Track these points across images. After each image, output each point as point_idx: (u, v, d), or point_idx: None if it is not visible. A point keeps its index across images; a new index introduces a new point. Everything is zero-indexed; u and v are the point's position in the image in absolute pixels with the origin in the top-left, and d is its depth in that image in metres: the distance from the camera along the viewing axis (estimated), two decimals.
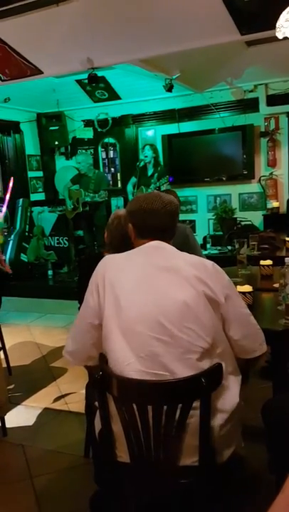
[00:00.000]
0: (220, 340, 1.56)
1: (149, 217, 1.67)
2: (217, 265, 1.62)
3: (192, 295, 1.51)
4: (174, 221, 1.74)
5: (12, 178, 6.00)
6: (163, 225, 1.69)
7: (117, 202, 7.03)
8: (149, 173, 6.13)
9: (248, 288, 2.23)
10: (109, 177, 7.27)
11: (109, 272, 1.62)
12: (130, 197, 6.36)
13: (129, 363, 1.51)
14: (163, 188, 6.01)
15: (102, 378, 1.55)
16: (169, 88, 4.96)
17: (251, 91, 6.10)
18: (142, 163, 6.09)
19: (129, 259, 1.67)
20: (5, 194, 5.90)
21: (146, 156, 6.02)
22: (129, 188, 6.39)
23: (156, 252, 1.64)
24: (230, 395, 1.57)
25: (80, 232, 6.72)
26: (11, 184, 5.82)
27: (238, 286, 2.24)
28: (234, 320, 1.57)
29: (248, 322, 1.62)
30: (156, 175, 6.04)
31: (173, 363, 1.48)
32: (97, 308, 1.60)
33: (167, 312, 1.50)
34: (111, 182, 7.30)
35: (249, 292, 2.22)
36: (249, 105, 6.14)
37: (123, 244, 2.02)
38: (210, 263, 1.61)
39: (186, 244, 2.93)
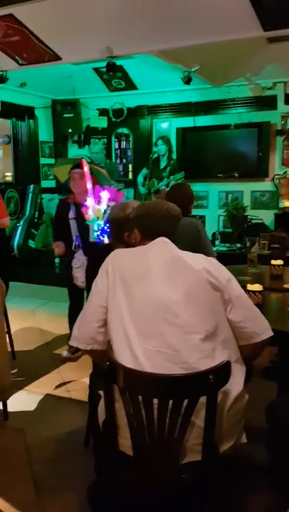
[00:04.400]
0: (223, 326, 1.62)
1: (154, 221, 1.79)
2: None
3: (196, 282, 1.62)
4: (177, 226, 1.85)
5: None
6: (167, 229, 1.80)
7: (127, 193, 7.00)
8: (162, 165, 6.10)
9: (258, 287, 2.21)
10: (120, 168, 7.24)
11: (120, 261, 1.74)
12: (140, 188, 6.33)
13: (132, 342, 1.56)
14: (172, 183, 5.97)
15: (108, 369, 1.54)
16: (187, 81, 4.91)
17: (270, 88, 6.03)
18: (155, 155, 6.07)
19: (138, 251, 1.79)
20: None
21: (160, 150, 5.99)
22: (140, 179, 6.35)
23: (163, 245, 1.75)
24: (234, 381, 1.60)
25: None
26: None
27: (248, 285, 2.23)
28: (235, 301, 1.65)
29: (249, 305, 1.70)
30: (168, 168, 6.00)
31: (177, 342, 1.54)
32: (105, 292, 1.69)
33: (172, 295, 1.60)
34: (122, 173, 7.27)
35: (259, 291, 2.20)
36: (267, 102, 6.07)
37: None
38: (211, 258, 1.74)
39: (197, 240, 2.91)
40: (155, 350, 1.55)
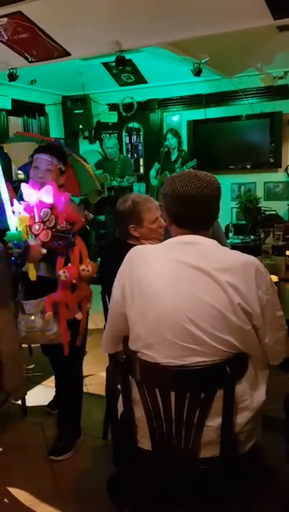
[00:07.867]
0: (250, 348, 1.49)
1: (183, 204, 1.47)
2: (260, 264, 1.44)
3: (226, 304, 1.38)
4: (214, 208, 1.52)
5: None
6: (200, 214, 1.49)
7: (139, 188, 6.99)
8: (173, 158, 6.08)
9: (274, 278, 2.19)
10: (132, 162, 7.23)
11: (137, 270, 1.51)
12: (152, 180, 6.33)
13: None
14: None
15: (125, 362, 1.55)
16: (198, 72, 4.87)
17: (281, 77, 5.96)
18: (165, 149, 6.05)
19: (159, 254, 1.52)
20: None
21: (170, 143, 5.98)
22: (152, 173, 6.35)
23: (191, 249, 1.46)
24: (259, 393, 1.54)
25: (102, 217, 6.71)
26: None
27: None
28: (269, 326, 1.46)
29: (281, 326, 1.52)
30: (180, 160, 5.99)
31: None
32: (123, 309, 1.56)
33: (199, 319, 1.40)
34: (133, 167, 7.27)
35: (275, 282, 2.18)
36: (278, 92, 6.00)
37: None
38: (252, 264, 1.42)
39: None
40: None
